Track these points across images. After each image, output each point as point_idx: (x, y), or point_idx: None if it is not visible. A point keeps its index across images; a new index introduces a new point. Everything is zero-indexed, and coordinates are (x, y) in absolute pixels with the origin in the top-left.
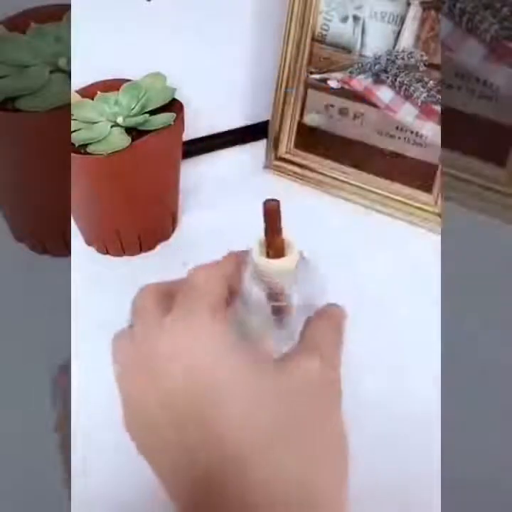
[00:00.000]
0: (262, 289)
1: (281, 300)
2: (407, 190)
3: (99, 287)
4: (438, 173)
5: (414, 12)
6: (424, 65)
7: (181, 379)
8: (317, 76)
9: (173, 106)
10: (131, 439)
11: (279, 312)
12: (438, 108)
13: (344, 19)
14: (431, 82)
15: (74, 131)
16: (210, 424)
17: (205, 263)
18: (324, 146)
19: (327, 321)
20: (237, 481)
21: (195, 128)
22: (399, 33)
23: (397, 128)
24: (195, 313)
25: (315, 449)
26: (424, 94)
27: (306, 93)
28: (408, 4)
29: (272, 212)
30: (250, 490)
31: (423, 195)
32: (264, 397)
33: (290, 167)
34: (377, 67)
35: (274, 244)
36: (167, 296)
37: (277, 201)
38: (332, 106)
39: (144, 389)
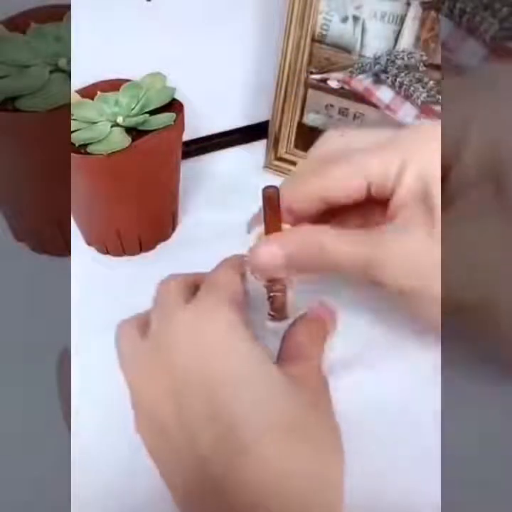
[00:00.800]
0: (260, 280)
1: (279, 290)
2: None
3: (99, 287)
4: None
5: (414, 12)
6: (424, 65)
7: (195, 366)
8: (317, 76)
9: (173, 106)
10: (141, 438)
11: (275, 306)
12: (438, 108)
13: (344, 19)
14: (431, 82)
15: (74, 131)
16: (222, 415)
17: (227, 259)
18: None
19: (312, 323)
20: (253, 475)
21: (195, 128)
22: (399, 33)
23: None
24: (214, 304)
25: (319, 444)
26: (424, 94)
27: (306, 93)
28: (408, 4)
29: (271, 199)
30: (266, 484)
31: None
32: (271, 391)
33: (290, 167)
34: (377, 67)
35: (272, 230)
36: (190, 288)
37: (276, 188)
38: (332, 106)
39: (154, 380)
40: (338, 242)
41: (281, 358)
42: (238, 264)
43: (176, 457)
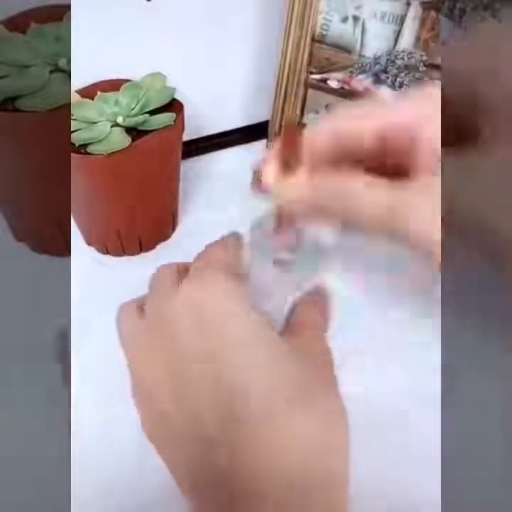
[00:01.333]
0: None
1: (288, 242)
2: None
3: (99, 287)
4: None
5: (414, 12)
6: (424, 65)
7: (194, 339)
8: (317, 76)
9: (173, 106)
10: (143, 429)
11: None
12: None
13: (344, 19)
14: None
15: (74, 131)
16: (224, 386)
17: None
18: None
19: (313, 303)
20: (258, 446)
21: (195, 128)
22: (399, 33)
23: None
24: (209, 274)
25: (323, 417)
26: None
27: (306, 93)
28: (408, 4)
29: (289, 125)
30: (273, 455)
31: None
32: (273, 360)
33: None
34: (377, 67)
35: (288, 157)
36: (185, 272)
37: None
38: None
39: (151, 358)
40: (364, 189)
41: (287, 329)
42: (233, 242)
43: (180, 440)
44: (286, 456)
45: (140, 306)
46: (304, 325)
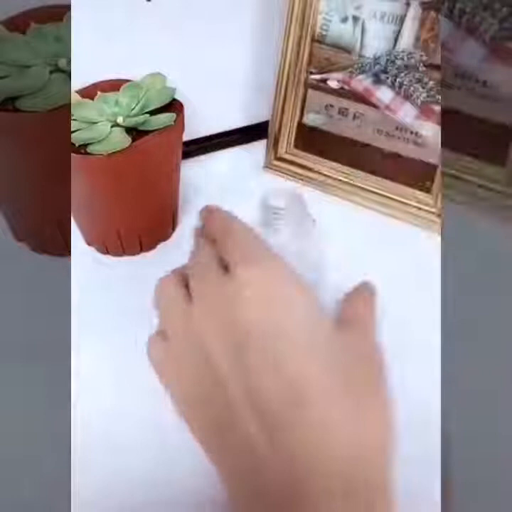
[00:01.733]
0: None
1: None
2: (407, 190)
3: (99, 287)
4: (438, 173)
5: (414, 12)
6: (424, 65)
7: (255, 318)
8: (317, 76)
9: (173, 106)
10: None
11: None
12: (438, 108)
13: (344, 19)
14: (431, 82)
15: (74, 131)
16: (283, 368)
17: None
18: (324, 146)
19: (362, 296)
20: (300, 431)
21: (195, 128)
22: (399, 33)
23: (397, 128)
24: (251, 267)
25: (366, 410)
26: (424, 95)
27: (306, 93)
28: (408, 4)
29: None
30: (313, 444)
31: (423, 195)
32: (325, 353)
33: (290, 167)
34: (377, 67)
35: None
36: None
37: None
38: (332, 106)
39: (208, 337)
40: None
41: (339, 322)
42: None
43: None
44: (327, 449)
45: (181, 282)
46: (355, 319)
